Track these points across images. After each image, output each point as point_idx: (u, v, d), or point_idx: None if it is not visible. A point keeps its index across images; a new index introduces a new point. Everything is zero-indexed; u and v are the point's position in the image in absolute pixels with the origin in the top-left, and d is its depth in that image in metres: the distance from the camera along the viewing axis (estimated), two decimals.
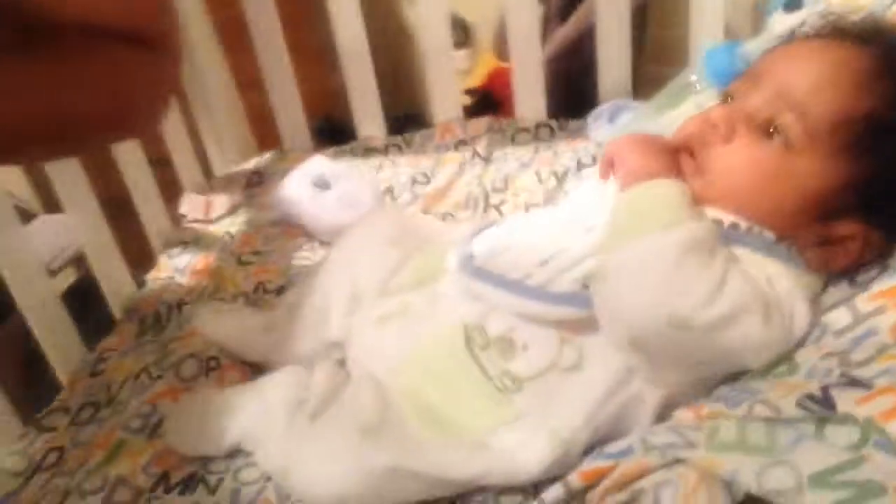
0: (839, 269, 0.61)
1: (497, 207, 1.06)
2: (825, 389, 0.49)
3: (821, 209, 0.60)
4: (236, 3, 1.22)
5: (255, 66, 1.28)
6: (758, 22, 1.15)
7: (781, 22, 0.91)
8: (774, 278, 0.58)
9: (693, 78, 0.94)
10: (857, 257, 0.60)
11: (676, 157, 0.65)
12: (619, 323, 0.58)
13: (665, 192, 0.60)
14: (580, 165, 1.08)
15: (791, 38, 0.72)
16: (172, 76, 0.63)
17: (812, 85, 0.60)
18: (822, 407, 0.49)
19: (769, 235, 0.60)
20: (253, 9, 1.22)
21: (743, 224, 0.60)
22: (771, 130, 0.61)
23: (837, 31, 0.66)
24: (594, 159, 1.08)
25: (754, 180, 0.61)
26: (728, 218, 0.60)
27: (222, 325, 0.85)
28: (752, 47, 0.88)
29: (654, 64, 1.60)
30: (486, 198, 1.07)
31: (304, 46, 1.82)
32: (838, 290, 0.61)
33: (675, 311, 0.54)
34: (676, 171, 0.63)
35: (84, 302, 1.07)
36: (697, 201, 0.62)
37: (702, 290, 0.54)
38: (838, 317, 0.58)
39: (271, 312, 0.86)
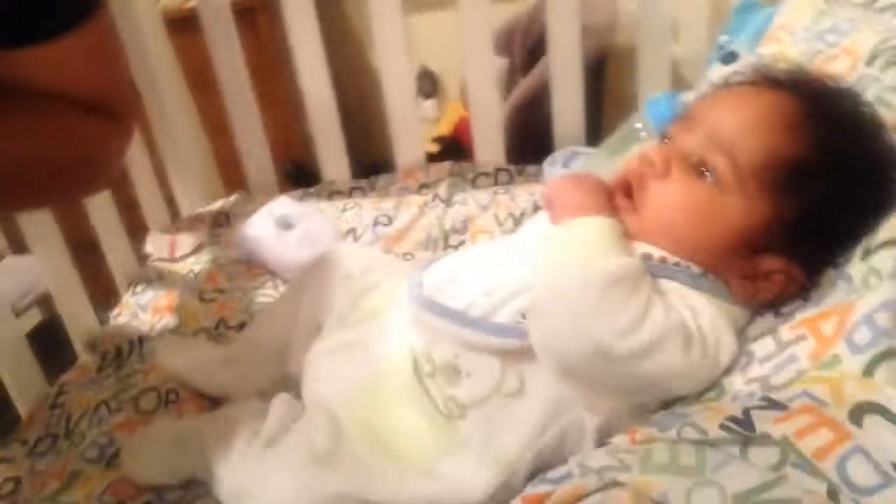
0: (764, 301, 0.64)
1: (456, 248, 1.09)
2: (746, 412, 0.52)
3: (747, 245, 0.63)
4: (204, 50, 1.26)
5: (223, 111, 1.31)
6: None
7: (719, 72, 0.97)
8: (699, 310, 0.61)
9: (638, 125, 0.99)
10: (781, 291, 0.63)
11: (613, 195, 0.68)
12: (550, 353, 0.61)
13: (592, 227, 0.63)
14: (536, 208, 1.12)
15: (725, 84, 0.76)
16: (127, 142, 0.67)
17: (742, 128, 0.64)
18: (742, 428, 0.51)
19: (696, 269, 0.63)
20: (220, 55, 1.26)
21: (671, 258, 0.63)
22: (703, 170, 0.64)
23: (766, 79, 0.71)
24: None
25: (685, 217, 0.64)
26: (657, 252, 0.64)
27: (182, 358, 0.86)
28: (690, 96, 0.93)
29: (612, 116, 1.66)
30: (446, 238, 1.10)
31: (272, 92, 1.87)
32: (764, 321, 0.64)
33: (599, 341, 0.57)
34: (611, 208, 0.66)
35: (50, 341, 1.08)
36: (631, 236, 0.65)
37: (623, 321, 0.57)
38: (763, 345, 0.61)
39: (230, 346, 0.88)
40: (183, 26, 1.38)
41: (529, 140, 1.47)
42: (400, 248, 1.10)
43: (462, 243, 1.10)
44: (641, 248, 0.64)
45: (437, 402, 0.66)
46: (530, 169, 1.26)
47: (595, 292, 0.58)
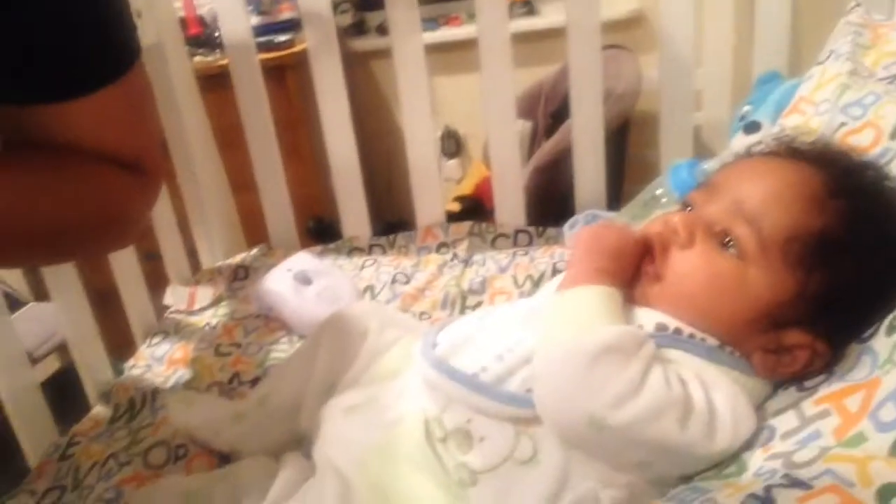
0: (787, 376, 0.63)
1: (473, 309, 1.08)
2: (768, 489, 0.50)
3: (770, 319, 0.62)
4: (233, 107, 1.29)
5: (248, 167, 1.33)
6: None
7: (742, 142, 0.97)
8: (711, 383, 0.59)
9: (659, 191, 0.99)
10: (804, 366, 0.62)
11: (637, 258, 0.67)
12: (548, 421, 0.60)
13: (588, 296, 0.63)
14: (556, 270, 1.12)
15: (748, 154, 0.76)
16: (154, 197, 0.68)
17: (766, 199, 0.63)
18: None
19: (713, 342, 0.62)
20: (249, 112, 1.29)
21: (686, 329, 0.62)
22: (727, 241, 0.63)
23: (792, 151, 0.70)
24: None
25: (708, 288, 0.63)
26: (673, 323, 0.63)
27: (192, 413, 0.85)
28: (713, 164, 0.93)
29: (633, 182, 1.67)
30: (464, 299, 1.10)
31: (297, 149, 1.91)
32: (787, 395, 0.63)
33: (592, 412, 0.56)
34: (630, 271, 0.66)
35: (65, 389, 1.08)
36: (648, 303, 0.64)
37: (616, 391, 0.56)
38: (786, 420, 0.59)
39: (242, 402, 0.87)
40: (214, 83, 1.41)
41: (550, 203, 1.48)
42: (417, 307, 1.10)
43: (479, 304, 1.09)
44: (657, 317, 0.63)
45: (449, 468, 0.64)
46: (550, 231, 1.26)
47: (584, 363, 0.57)
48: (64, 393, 1.08)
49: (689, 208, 0.69)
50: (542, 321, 0.64)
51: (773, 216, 0.62)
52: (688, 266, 0.64)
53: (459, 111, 2.25)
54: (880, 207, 0.63)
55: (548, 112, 2.00)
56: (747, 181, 0.66)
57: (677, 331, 0.62)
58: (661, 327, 0.62)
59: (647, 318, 0.63)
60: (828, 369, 0.62)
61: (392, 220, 1.80)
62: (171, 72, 1.25)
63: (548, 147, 1.80)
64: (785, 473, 0.52)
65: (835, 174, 0.64)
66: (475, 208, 1.92)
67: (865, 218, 0.61)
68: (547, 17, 2.28)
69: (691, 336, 0.62)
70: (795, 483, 0.50)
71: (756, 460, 0.58)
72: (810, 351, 0.62)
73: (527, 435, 0.62)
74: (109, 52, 0.59)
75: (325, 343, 0.83)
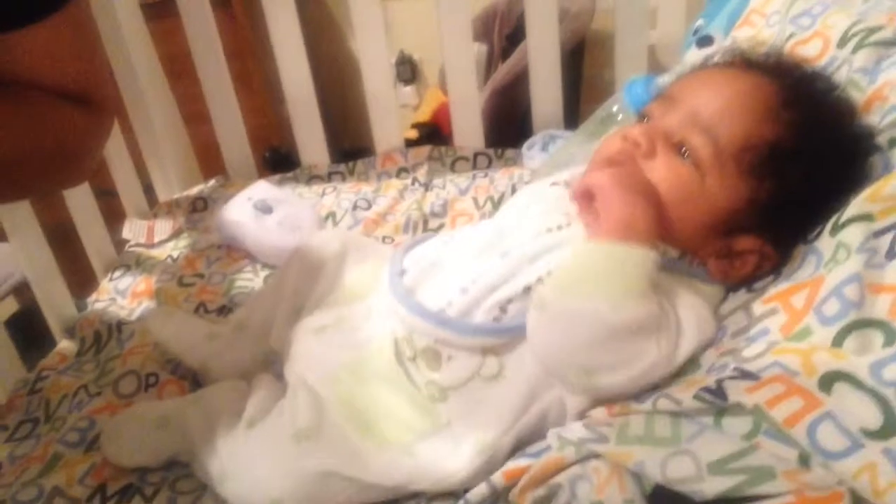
0: (738, 279, 0.66)
1: (435, 231, 1.10)
2: (719, 382, 0.53)
3: (725, 225, 0.64)
4: (181, 36, 1.25)
5: (199, 98, 1.31)
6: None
7: (695, 55, 0.98)
8: (675, 294, 0.62)
9: (615, 108, 1.00)
10: (755, 269, 0.65)
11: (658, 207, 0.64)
12: (535, 350, 0.62)
13: (634, 261, 0.59)
14: (514, 190, 1.13)
15: (705, 65, 0.76)
16: (107, 132, 0.67)
17: (722, 110, 0.64)
18: (715, 397, 0.53)
19: (673, 252, 0.64)
20: (198, 40, 1.26)
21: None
22: (683, 151, 0.65)
23: (747, 62, 0.72)
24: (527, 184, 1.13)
25: (673, 194, 0.64)
26: None
27: (169, 326, 0.86)
28: (667, 79, 0.94)
29: (589, 101, 1.67)
30: (425, 222, 1.11)
31: (248, 78, 1.86)
32: (737, 297, 0.66)
33: (587, 367, 0.59)
34: (658, 226, 0.63)
35: (27, 329, 1.07)
36: None
37: (617, 360, 0.58)
38: (736, 319, 0.62)
39: (219, 324, 0.88)
40: (158, 11, 1.37)
41: (508, 124, 1.49)
42: (380, 232, 1.11)
43: (441, 226, 1.11)
44: None
45: (419, 385, 0.66)
46: (509, 153, 1.27)
47: (604, 335, 0.58)
48: (26, 333, 1.07)
49: (647, 120, 0.70)
50: (576, 260, 0.61)
51: (728, 126, 0.63)
52: (653, 176, 0.65)
53: (414, 36, 2.21)
54: (829, 117, 0.65)
55: (503, 34, 1.98)
56: (703, 92, 0.67)
57: None
58: None
59: None
60: (776, 271, 0.65)
61: (348, 147, 1.79)
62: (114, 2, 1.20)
63: (504, 69, 1.78)
64: (735, 367, 0.55)
65: (787, 84, 0.66)
66: (433, 135, 1.91)
67: (815, 128, 0.63)
68: None
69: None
70: (745, 375, 0.53)
71: (709, 358, 0.61)
72: (760, 255, 0.64)
73: (492, 353, 0.65)
74: None
75: (293, 269, 0.84)
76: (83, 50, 0.62)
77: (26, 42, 0.57)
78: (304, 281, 0.82)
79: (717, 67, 0.74)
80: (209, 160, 1.42)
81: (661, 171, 0.65)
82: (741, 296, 0.65)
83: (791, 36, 0.82)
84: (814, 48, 0.79)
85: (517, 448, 0.64)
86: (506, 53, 1.91)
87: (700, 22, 1.04)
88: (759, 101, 0.64)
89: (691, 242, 0.65)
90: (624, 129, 0.70)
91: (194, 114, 1.37)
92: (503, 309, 0.64)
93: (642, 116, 0.71)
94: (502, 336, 0.64)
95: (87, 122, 0.63)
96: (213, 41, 1.26)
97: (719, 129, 0.64)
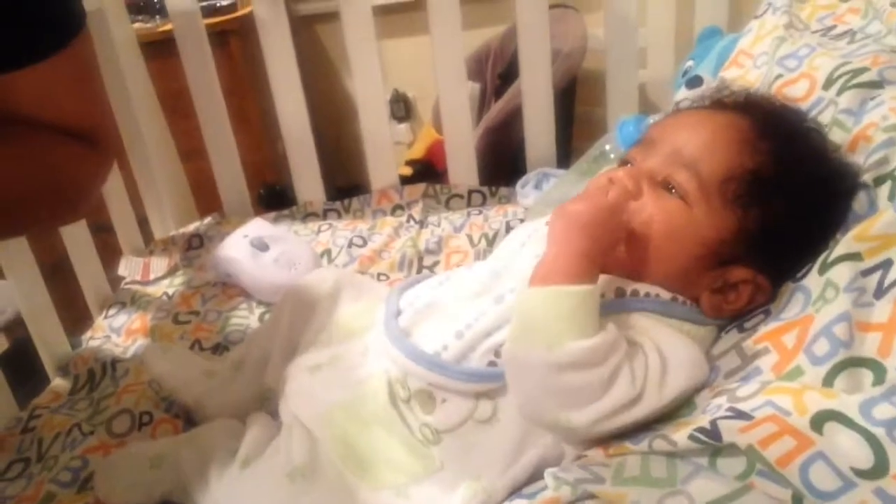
0: (732, 313, 0.66)
1: (430, 269, 1.10)
2: (714, 422, 0.54)
3: (717, 257, 0.65)
4: (175, 76, 1.27)
5: (196, 135, 1.32)
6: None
7: (685, 96, 1.00)
8: (666, 341, 0.62)
9: (607, 147, 1.01)
10: (749, 301, 0.66)
11: (618, 218, 0.64)
12: (518, 407, 0.63)
13: (571, 299, 0.59)
14: (509, 228, 1.14)
15: (679, 109, 0.79)
16: (107, 170, 0.67)
17: (701, 145, 0.66)
18: (710, 438, 0.53)
19: (665, 295, 0.65)
20: (195, 80, 1.27)
21: (643, 289, 0.65)
22: (670, 187, 0.66)
23: (717, 102, 0.74)
24: (521, 221, 1.14)
25: (662, 229, 0.65)
26: (630, 284, 0.65)
27: (166, 362, 0.86)
28: (658, 118, 0.95)
29: (581, 139, 1.69)
30: (420, 259, 1.11)
31: (244, 116, 1.88)
32: (729, 337, 0.66)
33: (557, 417, 0.59)
34: (612, 238, 0.63)
35: (20, 367, 1.07)
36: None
37: (577, 400, 0.58)
38: (729, 360, 0.63)
39: (216, 362, 0.88)
40: (156, 50, 1.39)
41: (501, 161, 1.50)
42: (375, 269, 1.11)
43: (436, 264, 1.11)
44: (614, 282, 0.65)
45: (413, 427, 0.66)
46: (503, 191, 1.28)
47: (552, 377, 0.58)
48: (17, 370, 1.07)
49: (629, 165, 0.71)
50: (519, 309, 0.61)
51: (710, 159, 0.65)
52: (642, 215, 0.66)
53: (408, 74, 2.23)
54: (804, 146, 0.67)
55: (496, 73, 2.01)
56: (682, 132, 0.69)
57: (634, 293, 0.65)
58: (620, 293, 0.65)
59: (605, 285, 0.65)
60: (765, 309, 0.65)
61: (342, 184, 1.80)
62: (113, 38, 1.22)
63: (497, 107, 1.81)
64: (729, 407, 0.55)
65: (759, 118, 0.68)
66: (427, 171, 1.93)
67: (792, 156, 0.65)
68: None
69: (647, 295, 0.65)
70: (739, 415, 0.53)
71: (703, 399, 0.61)
72: (753, 285, 0.65)
73: (486, 397, 0.65)
74: (55, 18, 0.58)
75: (288, 307, 0.84)
76: (86, 88, 0.62)
77: (27, 81, 0.57)
78: (298, 319, 0.82)
79: (692, 109, 0.76)
80: (205, 197, 1.43)
81: (650, 208, 0.66)
82: (733, 336, 0.66)
83: (778, 77, 0.84)
84: (800, 89, 0.81)
85: (513, 492, 0.64)
86: (499, 92, 1.94)
87: (690, 63, 1.06)
88: (735, 134, 0.66)
89: (684, 279, 0.66)
90: (609, 171, 0.71)
91: (190, 150, 1.38)
92: (497, 354, 0.64)
93: (624, 162, 0.73)
94: (496, 381, 0.64)
95: (88, 161, 0.63)
96: (210, 78, 1.28)
97: (702, 164, 0.65)
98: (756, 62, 0.91)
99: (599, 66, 1.30)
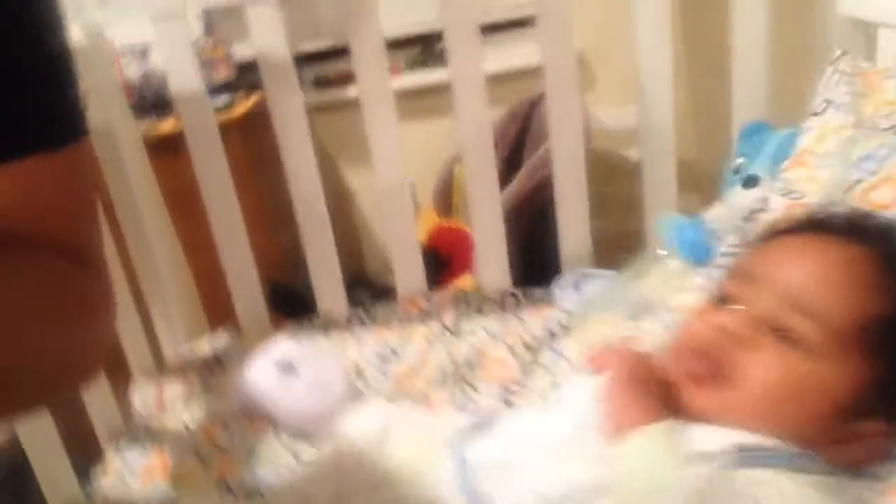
0: (862, 466, 0.59)
1: (471, 383, 1.02)
2: None
3: (845, 411, 0.58)
4: (177, 175, 1.20)
5: (197, 235, 1.24)
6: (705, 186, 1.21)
7: (743, 196, 0.95)
8: (796, 498, 0.55)
9: (660, 252, 0.96)
10: (880, 454, 0.59)
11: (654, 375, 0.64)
12: None
13: (653, 438, 0.58)
14: (551, 335, 1.07)
15: (774, 233, 0.72)
16: (110, 292, 0.55)
17: (815, 286, 0.60)
18: None
19: (792, 449, 0.58)
20: (206, 178, 1.20)
21: (768, 442, 0.58)
22: (788, 337, 0.59)
23: (818, 224, 0.68)
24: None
25: (791, 389, 0.59)
26: (751, 437, 0.58)
27: None
28: (711, 217, 0.93)
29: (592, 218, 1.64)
30: (462, 377, 1.03)
31: (251, 213, 1.81)
32: (861, 484, 0.59)
33: None
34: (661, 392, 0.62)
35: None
36: (712, 417, 0.60)
37: None
38: None
39: None
40: (161, 149, 1.32)
41: (524, 258, 1.43)
42: (413, 386, 1.03)
43: (477, 378, 1.03)
44: (732, 434, 0.58)
45: None
46: (537, 293, 1.20)
47: None
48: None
49: (728, 302, 0.65)
50: (617, 485, 0.57)
51: (832, 304, 0.59)
52: (763, 369, 0.59)
53: (405, 159, 2.19)
54: None
55: (501, 158, 1.97)
56: (788, 267, 0.63)
57: (759, 447, 0.57)
58: (743, 447, 0.57)
59: (720, 437, 0.58)
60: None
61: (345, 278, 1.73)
62: (119, 142, 1.15)
63: (508, 193, 1.76)
64: None
65: (875, 247, 0.62)
66: (431, 259, 1.87)
67: None
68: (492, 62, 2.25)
69: (772, 448, 0.58)
70: None
71: None
72: (883, 438, 0.59)
73: None
74: (52, 113, 0.49)
75: (332, 452, 0.78)
76: (72, 203, 0.51)
77: (7, 177, 0.46)
78: (339, 467, 0.75)
79: (789, 235, 0.69)
80: (213, 306, 1.34)
81: (774, 363, 0.59)
82: (867, 484, 0.59)
83: (858, 182, 0.79)
84: (885, 194, 0.76)
85: None
86: (505, 179, 1.89)
87: (740, 161, 1.01)
88: (856, 273, 0.60)
89: (812, 433, 0.58)
90: (705, 315, 0.65)
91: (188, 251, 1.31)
92: None
93: (721, 298, 0.66)
94: None
95: (83, 278, 0.51)
96: (222, 175, 1.21)
97: (823, 309, 0.59)
98: (823, 161, 0.86)
99: (602, 145, 1.23)
